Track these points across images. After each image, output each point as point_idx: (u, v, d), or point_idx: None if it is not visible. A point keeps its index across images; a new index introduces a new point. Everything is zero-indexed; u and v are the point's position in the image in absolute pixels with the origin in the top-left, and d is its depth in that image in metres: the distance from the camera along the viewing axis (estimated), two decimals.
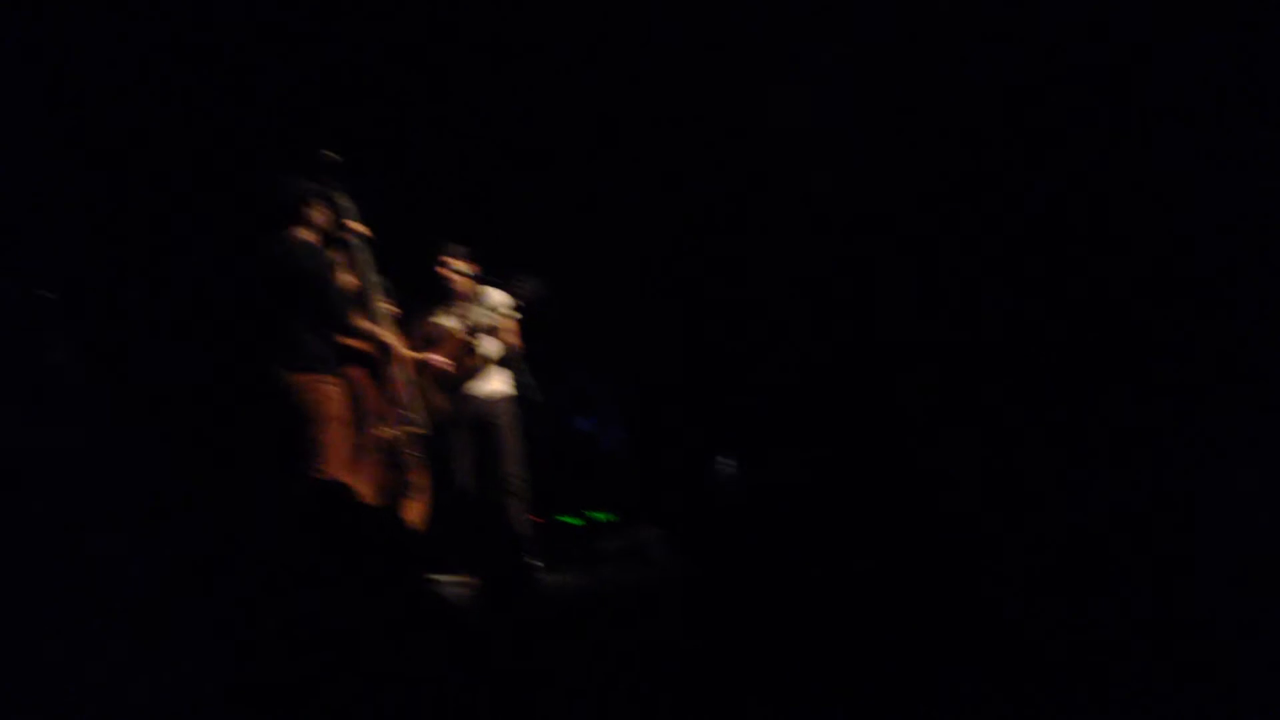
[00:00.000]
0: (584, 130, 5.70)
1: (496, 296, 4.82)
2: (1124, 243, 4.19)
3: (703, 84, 5.35)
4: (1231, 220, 3.91)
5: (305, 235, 4.04)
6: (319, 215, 4.10)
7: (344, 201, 4.20)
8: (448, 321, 4.89)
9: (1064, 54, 4.35)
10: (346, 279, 4.22)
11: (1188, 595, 2.67)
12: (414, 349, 4.67)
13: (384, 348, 4.24)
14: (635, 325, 6.10)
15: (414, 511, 4.44)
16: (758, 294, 5.72)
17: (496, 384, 4.84)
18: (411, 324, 4.80)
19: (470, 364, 4.80)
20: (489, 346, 4.78)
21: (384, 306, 4.33)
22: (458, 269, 4.87)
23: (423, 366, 4.73)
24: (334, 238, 4.19)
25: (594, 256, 5.77)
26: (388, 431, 4.28)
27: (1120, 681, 2.31)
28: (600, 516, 6.09)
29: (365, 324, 4.16)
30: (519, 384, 4.86)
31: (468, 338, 4.78)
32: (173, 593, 2.88)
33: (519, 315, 4.78)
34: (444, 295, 4.91)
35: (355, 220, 4.23)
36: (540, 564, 4.76)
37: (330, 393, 3.90)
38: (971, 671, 2.40)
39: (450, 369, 4.78)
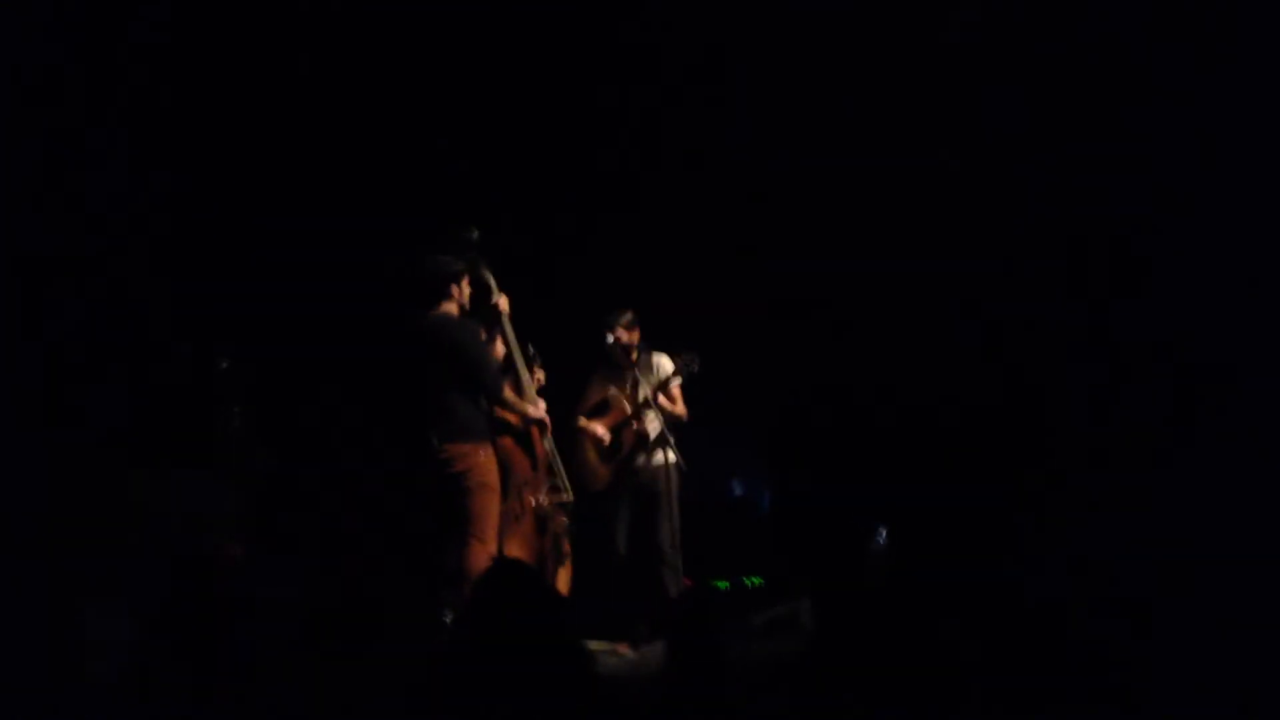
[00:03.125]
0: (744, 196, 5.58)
1: (664, 364, 4.84)
2: None
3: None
4: None
5: (452, 309, 4.17)
6: (464, 291, 4.22)
7: (487, 274, 4.33)
8: (613, 390, 4.90)
9: None
10: (495, 349, 4.34)
11: None
12: (579, 417, 4.81)
13: (531, 418, 4.31)
14: (785, 388, 5.92)
15: (562, 579, 4.46)
16: (908, 365, 5.39)
17: (661, 454, 4.75)
18: (582, 392, 4.91)
19: (636, 433, 4.81)
20: (654, 416, 4.73)
21: (530, 376, 4.42)
22: (625, 337, 4.80)
23: (585, 435, 4.82)
24: (479, 310, 4.32)
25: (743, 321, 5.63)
26: (536, 500, 4.34)
27: None
28: (751, 581, 5.95)
29: (512, 395, 4.25)
30: (678, 452, 4.73)
31: (634, 407, 4.79)
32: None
33: (681, 383, 4.82)
34: (608, 363, 4.90)
35: (498, 293, 4.35)
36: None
37: (485, 462, 3.99)
38: None
39: (611, 438, 4.82)
